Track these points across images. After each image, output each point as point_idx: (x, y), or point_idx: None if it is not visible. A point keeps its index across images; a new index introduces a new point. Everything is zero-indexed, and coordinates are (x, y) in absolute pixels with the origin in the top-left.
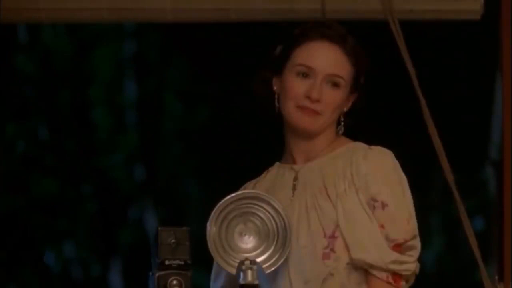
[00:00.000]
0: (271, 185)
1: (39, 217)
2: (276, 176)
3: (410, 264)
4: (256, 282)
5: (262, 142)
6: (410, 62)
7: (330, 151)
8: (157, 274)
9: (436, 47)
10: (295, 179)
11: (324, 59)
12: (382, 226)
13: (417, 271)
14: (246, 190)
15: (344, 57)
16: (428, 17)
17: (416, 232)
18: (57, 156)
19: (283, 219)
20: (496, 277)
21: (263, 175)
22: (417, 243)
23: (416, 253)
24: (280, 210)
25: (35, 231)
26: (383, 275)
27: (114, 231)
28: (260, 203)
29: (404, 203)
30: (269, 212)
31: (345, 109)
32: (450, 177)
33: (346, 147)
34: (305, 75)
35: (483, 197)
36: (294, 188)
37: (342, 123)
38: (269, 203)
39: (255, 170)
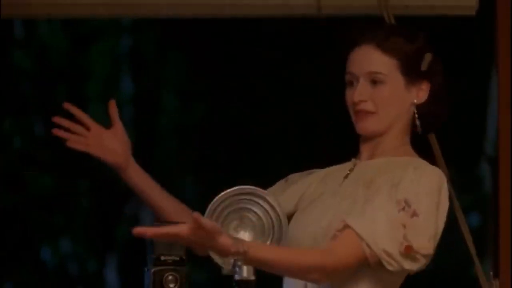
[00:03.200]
0: (331, 172)
1: (35, 213)
2: (340, 166)
3: (398, 265)
4: (252, 277)
5: (258, 139)
6: None
7: (394, 155)
8: (152, 270)
9: (431, 42)
10: (351, 170)
11: (360, 60)
12: (404, 226)
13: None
14: (317, 170)
15: (379, 53)
16: (423, 13)
17: (431, 253)
18: (53, 152)
19: (278, 215)
20: (491, 273)
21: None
22: (423, 261)
23: (414, 266)
24: (275, 206)
25: (32, 227)
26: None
27: (110, 227)
28: (255, 199)
29: (434, 224)
30: (264, 208)
31: (415, 101)
32: (445, 173)
33: (409, 158)
34: (351, 82)
35: (478, 193)
36: (345, 177)
37: (416, 115)
38: (264, 199)
39: (252, 166)
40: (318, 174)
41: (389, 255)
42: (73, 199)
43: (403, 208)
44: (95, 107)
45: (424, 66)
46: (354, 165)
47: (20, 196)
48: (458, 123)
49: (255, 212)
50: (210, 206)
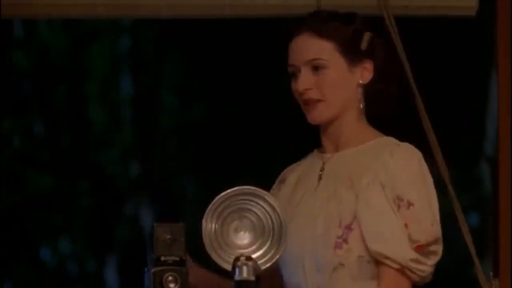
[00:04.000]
0: (302, 173)
1: (35, 212)
2: (308, 164)
3: (427, 266)
4: (252, 278)
5: (258, 139)
6: (405, 58)
7: (359, 143)
8: (152, 270)
9: (431, 43)
10: (322, 169)
11: (298, 50)
12: (406, 226)
13: (430, 277)
14: (287, 173)
15: (316, 39)
16: (423, 13)
17: (439, 235)
18: (53, 151)
19: (278, 215)
20: (491, 274)
21: (302, 160)
22: (438, 248)
23: (436, 258)
24: (275, 206)
25: (31, 227)
26: (395, 265)
27: (110, 227)
28: (255, 199)
29: (429, 205)
30: (264, 209)
31: (361, 82)
32: (445, 173)
33: (377, 141)
34: (294, 74)
35: (478, 193)
36: (319, 178)
37: (360, 96)
38: (264, 199)
39: (252, 166)
40: (289, 181)
41: (417, 262)
42: (73, 199)
43: (399, 206)
44: (95, 107)
45: (363, 46)
46: (324, 163)
47: (19, 196)
48: (458, 123)
49: (255, 213)
50: (210, 207)
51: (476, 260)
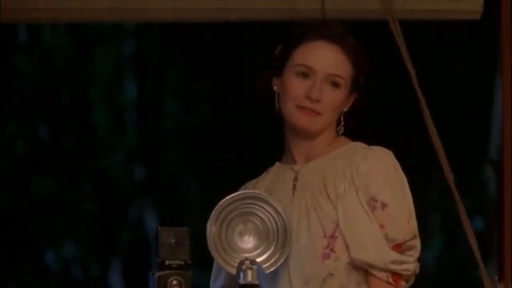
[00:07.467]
0: (271, 185)
1: (38, 216)
2: (276, 176)
3: (409, 264)
4: (256, 282)
5: (261, 142)
6: (410, 62)
7: (330, 151)
8: (157, 274)
9: (436, 47)
10: (295, 179)
11: (324, 58)
12: (382, 226)
13: (417, 271)
14: (246, 190)
15: (343, 57)
16: (428, 17)
17: (416, 232)
18: (56, 155)
19: (283, 219)
20: (496, 277)
21: (263, 174)
22: (416, 243)
23: (415, 253)
24: (280, 210)
25: (35, 231)
26: (383, 275)
27: (114, 231)
28: (260, 203)
29: (404, 203)
30: (269, 212)
31: (345, 109)
32: (449, 176)
33: (347, 147)
34: (305, 75)
35: (482, 196)
36: (294, 188)
37: (342, 123)
38: (269, 203)
39: (255, 170)
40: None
41: (398, 263)
42: (77, 202)
43: (374, 207)
44: (98, 111)
45: (362, 79)
46: (296, 173)
47: (23, 199)
48: (463, 126)
49: (259, 217)
50: (215, 210)
51: (481, 264)
